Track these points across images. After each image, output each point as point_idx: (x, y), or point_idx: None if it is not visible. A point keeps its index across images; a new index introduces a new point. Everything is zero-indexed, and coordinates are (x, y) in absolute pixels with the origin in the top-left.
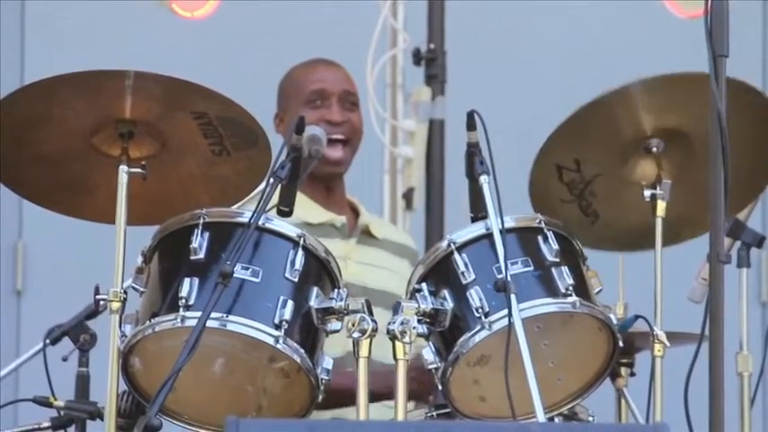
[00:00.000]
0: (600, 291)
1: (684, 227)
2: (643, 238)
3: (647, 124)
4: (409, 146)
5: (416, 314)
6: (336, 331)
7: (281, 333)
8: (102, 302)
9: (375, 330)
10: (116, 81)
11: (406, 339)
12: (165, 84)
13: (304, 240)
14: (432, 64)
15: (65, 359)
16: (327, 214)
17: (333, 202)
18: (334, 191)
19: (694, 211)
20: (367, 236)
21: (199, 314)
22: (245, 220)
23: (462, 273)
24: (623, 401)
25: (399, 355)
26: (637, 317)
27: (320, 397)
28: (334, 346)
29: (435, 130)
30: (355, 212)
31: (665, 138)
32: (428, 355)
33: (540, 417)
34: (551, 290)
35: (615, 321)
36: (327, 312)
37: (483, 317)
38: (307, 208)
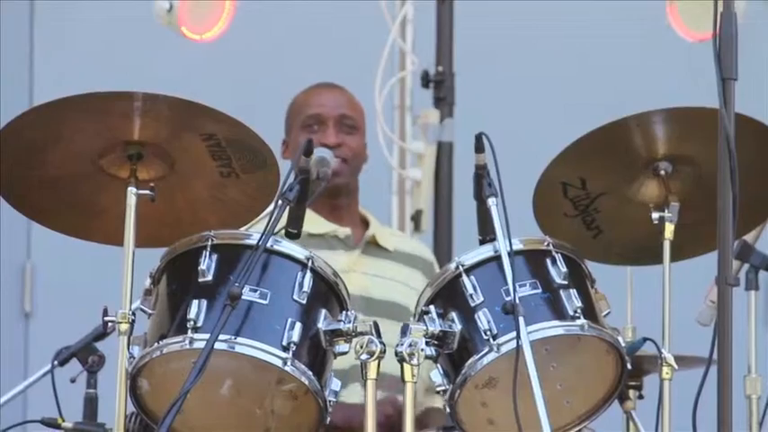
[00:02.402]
0: (608, 313)
1: (686, 245)
2: (644, 252)
3: (660, 150)
4: (418, 168)
5: (424, 336)
6: (345, 353)
7: (289, 355)
8: (110, 324)
9: (383, 352)
10: (125, 103)
11: (414, 361)
12: (174, 105)
13: (312, 262)
14: (440, 86)
15: (73, 381)
16: (330, 225)
17: (338, 216)
18: (340, 207)
19: (697, 230)
20: (374, 247)
21: (207, 336)
22: (253, 242)
23: (470, 295)
24: (631, 424)
25: (407, 377)
26: (645, 339)
27: (328, 419)
28: (340, 360)
29: (444, 153)
30: (366, 226)
31: (673, 161)
32: (436, 377)
33: None
34: (559, 312)
35: (623, 344)
36: (335, 334)
37: (491, 339)
38: (310, 220)
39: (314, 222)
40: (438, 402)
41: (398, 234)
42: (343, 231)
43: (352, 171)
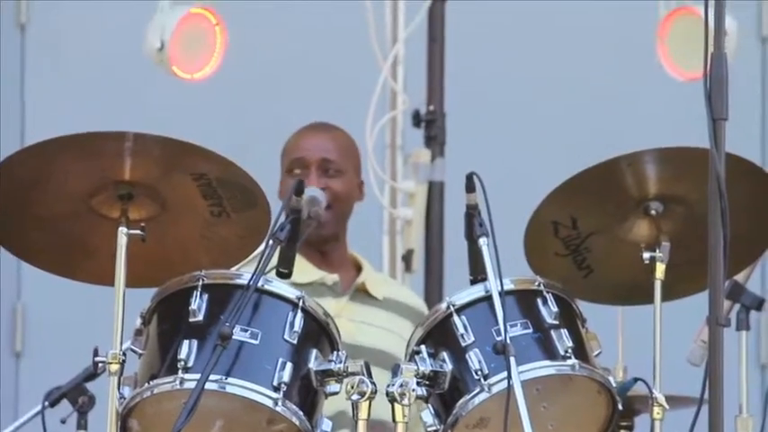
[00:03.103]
0: (599, 353)
1: (677, 284)
2: (635, 292)
3: (651, 189)
4: (409, 207)
5: (416, 376)
6: (335, 393)
7: (279, 395)
8: (100, 364)
9: (374, 393)
10: (115, 143)
11: (405, 401)
12: (164, 145)
13: (303, 302)
14: (431, 126)
15: (63, 421)
16: (318, 273)
17: (327, 263)
18: (328, 253)
19: (688, 270)
20: (363, 294)
21: (198, 376)
22: (244, 281)
23: (461, 335)
24: None
25: (398, 417)
26: (636, 379)
27: None
28: (326, 407)
29: (435, 192)
30: (359, 271)
31: (664, 201)
32: (427, 417)
33: None
34: (550, 352)
35: (614, 384)
36: (326, 374)
37: (482, 379)
38: (298, 268)
39: (302, 271)
40: None
41: (390, 282)
42: (331, 278)
43: (338, 217)
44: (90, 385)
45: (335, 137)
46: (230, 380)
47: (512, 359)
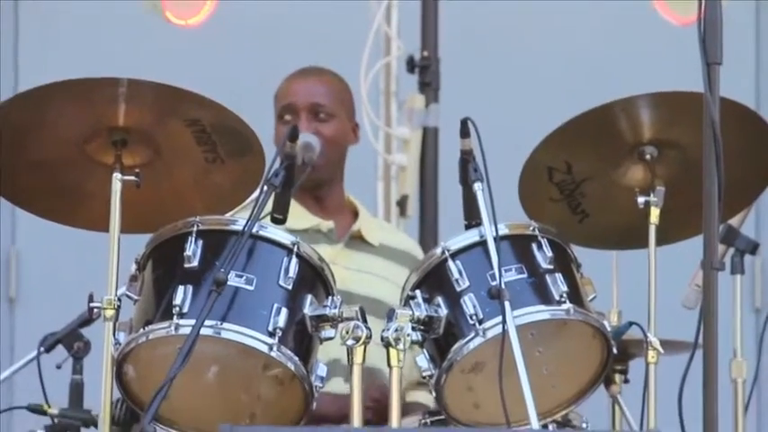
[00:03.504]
0: (594, 298)
1: (672, 229)
2: (630, 236)
3: (646, 134)
4: (403, 153)
5: (410, 321)
6: (331, 338)
7: (275, 341)
8: (95, 310)
9: (369, 338)
10: (109, 89)
11: (401, 346)
12: (158, 91)
13: (298, 248)
14: (425, 71)
15: (59, 367)
16: (313, 219)
17: (322, 208)
18: (323, 198)
19: (682, 215)
20: (359, 241)
21: (193, 322)
22: (238, 227)
23: (456, 280)
24: (617, 408)
25: (393, 362)
26: (631, 324)
27: (314, 405)
28: (320, 355)
29: (429, 138)
30: (355, 217)
31: (659, 146)
32: (422, 362)
33: (534, 424)
34: (545, 297)
35: (609, 328)
36: (321, 320)
37: (477, 324)
38: (294, 214)
39: (297, 216)
40: (420, 398)
41: (387, 227)
42: (326, 225)
43: (331, 160)
44: (85, 331)
45: (325, 81)
46: (225, 325)
47: (506, 304)
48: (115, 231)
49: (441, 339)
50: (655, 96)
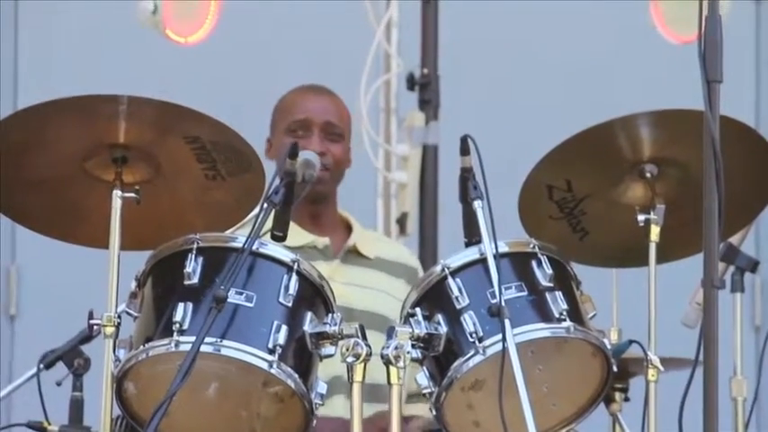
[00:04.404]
0: (594, 315)
1: (672, 247)
2: (630, 254)
3: (646, 152)
4: (403, 171)
5: (410, 339)
6: (330, 356)
7: (275, 358)
8: (95, 327)
9: (369, 355)
10: (110, 106)
11: (401, 364)
12: (159, 108)
13: (298, 265)
14: (425, 89)
15: (59, 384)
16: (309, 237)
17: (318, 225)
18: (319, 215)
19: (683, 232)
20: (355, 255)
21: (193, 339)
22: (238, 244)
23: (456, 297)
24: (617, 427)
25: (393, 380)
26: (631, 342)
27: (314, 422)
28: (321, 373)
29: (429, 155)
30: (349, 231)
31: (659, 164)
32: (422, 379)
33: None
34: (545, 315)
35: (609, 346)
36: (321, 337)
37: (477, 342)
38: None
39: (292, 234)
40: (419, 411)
41: (382, 239)
42: (322, 242)
43: (335, 179)
44: (85, 348)
45: (336, 101)
46: (225, 342)
47: (506, 321)
48: (115, 248)
49: (441, 357)
50: (655, 114)
